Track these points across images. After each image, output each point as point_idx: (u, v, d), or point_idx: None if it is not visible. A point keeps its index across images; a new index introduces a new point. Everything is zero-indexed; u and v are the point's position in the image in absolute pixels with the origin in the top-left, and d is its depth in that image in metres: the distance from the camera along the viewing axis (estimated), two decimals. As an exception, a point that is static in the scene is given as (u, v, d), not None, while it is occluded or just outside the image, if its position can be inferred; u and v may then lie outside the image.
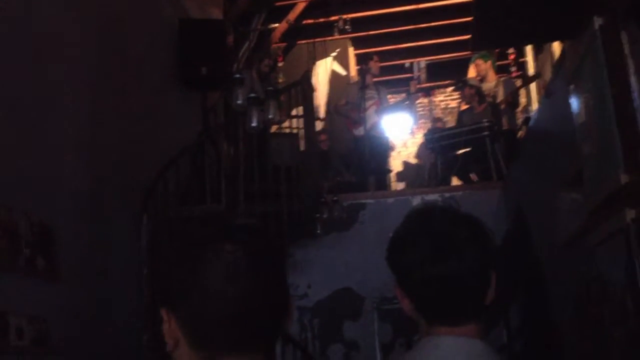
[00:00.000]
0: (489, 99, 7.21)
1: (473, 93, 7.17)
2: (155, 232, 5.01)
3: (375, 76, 7.97)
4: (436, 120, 9.51)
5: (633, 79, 2.20)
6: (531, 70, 8.08)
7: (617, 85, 2.33)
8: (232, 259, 0.93)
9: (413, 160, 9.46)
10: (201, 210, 5.15)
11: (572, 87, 2.98)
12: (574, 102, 2.96)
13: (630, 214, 2.25)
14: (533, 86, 8.32)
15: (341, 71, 9.85)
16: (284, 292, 1.00)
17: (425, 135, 7.44)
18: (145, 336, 4.61)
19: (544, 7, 2.80)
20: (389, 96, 8.40)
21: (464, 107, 7.60)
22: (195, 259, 0.95)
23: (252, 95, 4.26)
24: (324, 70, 9.74)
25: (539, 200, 4.23)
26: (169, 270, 0.99)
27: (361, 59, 9.24)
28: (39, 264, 3.66)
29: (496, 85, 7.49)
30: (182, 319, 0.96)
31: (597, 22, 2.48)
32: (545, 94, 4.28)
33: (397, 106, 8.42)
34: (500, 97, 7.38)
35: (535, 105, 7.98)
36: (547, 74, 7.38)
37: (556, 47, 6.45)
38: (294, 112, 6.63)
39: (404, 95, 9.28)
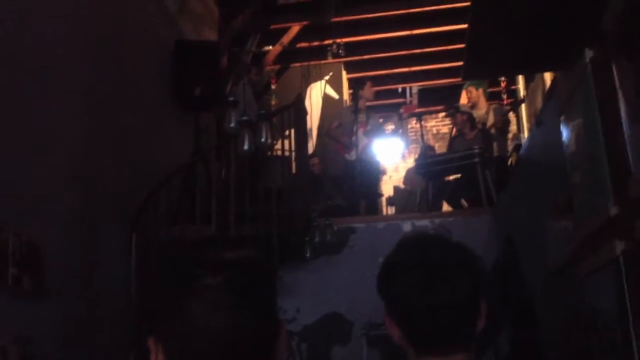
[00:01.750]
0: (480, 126, 7.26)
1: (465, 119, 7.21)
2: (145, 252, 4.99)
3: (368, 101, 8.02)
4: (428, 147, 9.55)
5: (623, 112, 2.22)
6: (524, 99, 8.14)
7: (607, 117, 2.36)
8: (215, 294, 0.95)
9: (403, 185, 9.48)
10: (191, 231, 5.13)
11: (562, 117, 3.01)
12: (564, 132, 2.98)
13: (620, 245, 2.26)
14: (524, 113, 8.39)
15: (334, 94, 9.90)
16: (270, 324, 1.01)
17: (416, 160, 7.46)
18: (132, 356, 4.57)
19: (536, 38, 2.84)
20: (380, 119, 8.44)
21: (455, 133, 7.65)
22: (180, 294, 0.97)
23: (244, 118, 4.27)
24: (317, 93, 9.79)
25: (529, 227, 4.24)
26: (157, 303, 1.01)
27: (354, 83, 9.30)
28: (26, 283, 3.63)
29: (487, 112, 7.55)
30: (168, 352, 0.98)
31: (588, 54, 2.52)
32: (536, 123, 4.31)
33: (386, 130, 8.47)
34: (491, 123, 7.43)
35: (526, 133, 8.03)
36: (538, 102, 7.45)
37: (547, 75, 6.52)
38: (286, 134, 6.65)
39: (395, 118, 9.35)
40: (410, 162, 9.48)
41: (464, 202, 6.86)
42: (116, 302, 4.77)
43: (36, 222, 3.82)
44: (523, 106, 8.27)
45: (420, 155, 7.33)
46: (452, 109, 7.72)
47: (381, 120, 8.51)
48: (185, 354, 0.96)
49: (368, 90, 7.93)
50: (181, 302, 0.97)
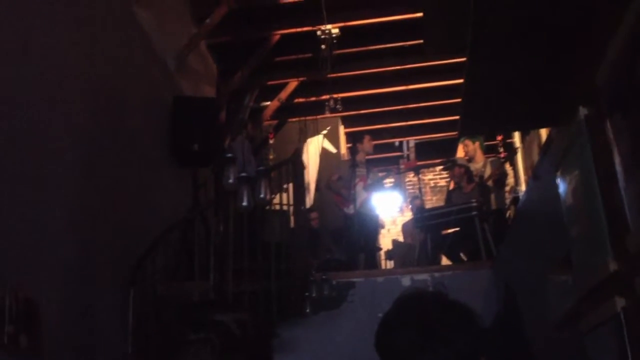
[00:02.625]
0: (477, 179, 7.29)
1: (462, 172, 7.26)
2: (142, 307, 4.95)
3: (368, 154, 8.07)
4: (415, 197, 9.57)
5: (619, 167, 2.24)
6: (519, 153, 8.20)
7: (603, 172, 2.38)
8: (195, 349, 0.97)
9: (402, 239, 9.47)
10: (189, 286, 5.10)
11: (559, 172, 3.03)
12: (561, 186, 3.00)
13: (620, 302, 2.25)
14: (520, 165, 8.43)
15: (332, 149, 9.97)
16: None
17: (414, 214, 7.47)
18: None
19: (531, 96, 2.88)
20: (380, 174, 8.49)
21: (453, 186, 7.68)
22: (166, 349, 1.00)
23: (243, 174, 4.30)
24: (314, 148, 9.86)
25: (529, 281, 4.23)
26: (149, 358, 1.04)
27: (352, 137, 9.38)
28: (22, 341, 3.58)
29: (484, 166, 7.59)
30: None
31: (583, 112, 2.55)
32: (533, 176, 4.34)
33: (385, 184, 8.50)
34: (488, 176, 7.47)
35: (523, 185, 8.06)
36: (535, 155, 7.50)
37: (543, 129, 6.58)
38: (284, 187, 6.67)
39: (389, 170, 9.41)
40: (408, 215, 9.49)
41: (462, 256, 6.85)
42: (113, 358, 4.71)
43: (33, 278, 3.79)
44: (520, 158, 8.31)
45: (418, 209, 7.35)
46: (450, 162, 7.77)
47: (380, 174, 8.54)
48: None
49: (367, 144, 7.98)
50: (167, 357, 0.99)
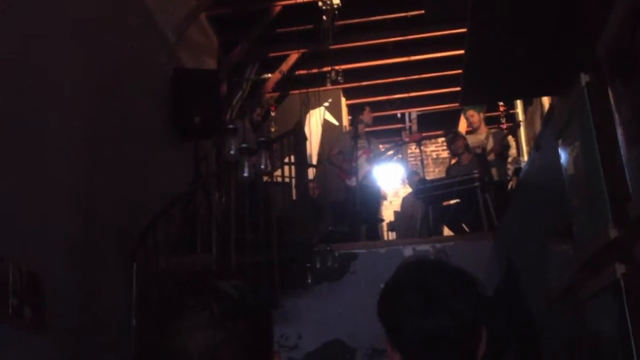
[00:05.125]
0: (478, 150, 7.27)
1: (464, 144, 7.22)
2: (145, 282, 4.97)
3: (368, 126, 8.04)
4: (414, 173, 9.54)
5: (620, 135, 2.23)
6: (521, 122, 8.18)
7: (604, 140, 2.37)
8: (192, 315, 0.96)
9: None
10: (191, 260, 5.12)
11: (560, 141, 3.02)
12: (563, 156, 2.99)
13: (620, 268, 2.25)
14: (522, 136, 8.41)
15: (333, 121, 9.95)
16: (256, 351, 1.01)
17: (416, 185, 7.47)
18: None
19: (532, 64, 2.86)
20: (380, 146, 8.47)
21: (455, 161, 7.66)
22: (164, 317, 0.99)
23: (244, 145, 4.29)
24: (316, 120, 9.84)
25: (530, 251, 4.24)
26: (148, 328, 1.03)
27: (353, 109, 9.35)
28: (27, 314, 3.62)
29: (486, 137, 7.57)
30: None
31: (584, 79, 2.53)
32: (534, 147, 4.33)
33: (387, 156, 8.48)
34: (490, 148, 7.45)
35: (525, 156, 8.05)
36: (537, 125, 7.48)
37: (545, 99, 6.56)
38: (286, 161, 6.67)
39: (394, 144, 9.39)
40: (409, 189, 9.49)
41: (465, 227, 6.86)
42: (116, 332, 4.75)
43: (36, 253, 3.81)
44: (522, 129, 8.30)
45: (419, 181, 7.34)
46: (451, 134, 7.75)
47: (382, 147, 8.52)
48: None
49: (367, 115, 7.95)
50: (164, 324, 0.98)
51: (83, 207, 4.52)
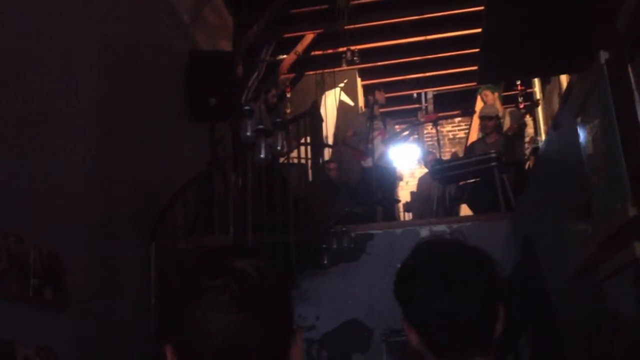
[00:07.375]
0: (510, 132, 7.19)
1: (494, 124, 7.10)
2: (163, 262, 5.01)
3: (382, 106, 8.01)
4: (428, 153, 9.50)
5: (639, 112, 2.20)
6: (539, 101, 8.10)
7: (624, 118, 2.34)
8: (212, 296, 0.96)
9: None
10: (209, 240, 5.15)
11: (579, 119, 2.99)
12: (581, 134, 2.97)
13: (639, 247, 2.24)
14: (540, 116, 8.35)
15: (349, 101, 9.91)
16: (277, 330, 1.00)
17: (432, 165, 7.43)
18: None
19: (551, 41, 2.83)
20: (396, 126, 8.45)
21: (472, 139, 7.60)
22: (184, 298, 0.99)
23: (260, 127, 4.28)
24: (332, 101, 9.81)
25: (548, 231, 4.22)
26: (168, 308, 1.03)
27: (369, 90, 9.31)
28: (47, 294, 3.66)
29: (503, 116, 7.51)
30: (178, 356, 1.00)
31: (603, 56, 2.50)
32: (553, 125, 4.29)
33: (402, 137, 8.46)
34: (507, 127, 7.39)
35: (543, 135, 7.99)
36: (555, 104, 7.40)
37: (563, 77, 6.48)
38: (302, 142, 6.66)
39: (410, 124, 9.35)
40: (425, 170, 9.46)
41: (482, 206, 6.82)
42: (136, 312, 4.80)
43: (56, 233, 3.85)
44: (540, 109, 8.23)
45: (436, 161, 7.30)
46: (471, 110, 7.65)
47: (398, 128, 8.50)
48: (191, 358, 0.97)
49: (379, 95, 7.93)
50: (184, 305, 0.98)
51: (101, 187, 4.55)
